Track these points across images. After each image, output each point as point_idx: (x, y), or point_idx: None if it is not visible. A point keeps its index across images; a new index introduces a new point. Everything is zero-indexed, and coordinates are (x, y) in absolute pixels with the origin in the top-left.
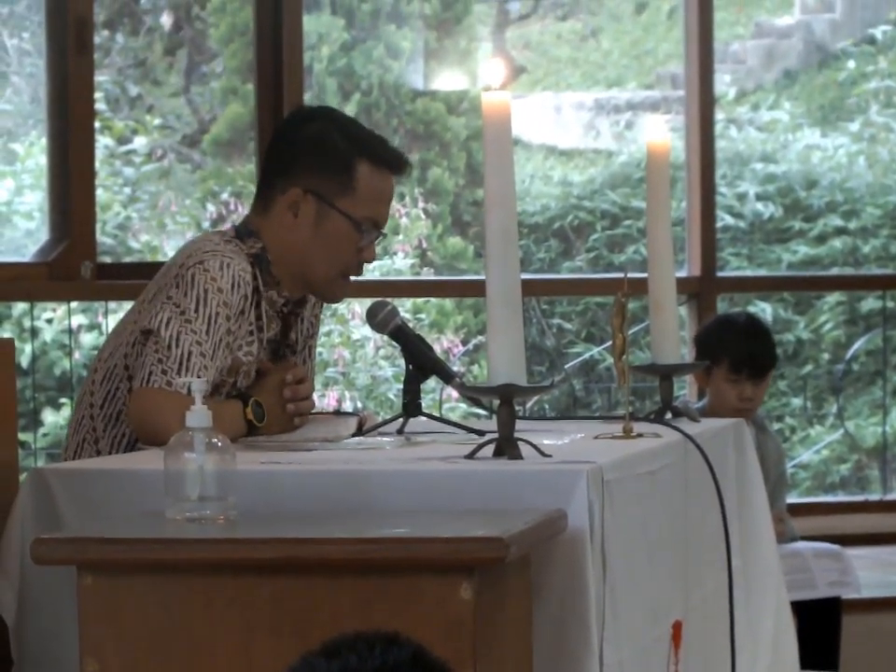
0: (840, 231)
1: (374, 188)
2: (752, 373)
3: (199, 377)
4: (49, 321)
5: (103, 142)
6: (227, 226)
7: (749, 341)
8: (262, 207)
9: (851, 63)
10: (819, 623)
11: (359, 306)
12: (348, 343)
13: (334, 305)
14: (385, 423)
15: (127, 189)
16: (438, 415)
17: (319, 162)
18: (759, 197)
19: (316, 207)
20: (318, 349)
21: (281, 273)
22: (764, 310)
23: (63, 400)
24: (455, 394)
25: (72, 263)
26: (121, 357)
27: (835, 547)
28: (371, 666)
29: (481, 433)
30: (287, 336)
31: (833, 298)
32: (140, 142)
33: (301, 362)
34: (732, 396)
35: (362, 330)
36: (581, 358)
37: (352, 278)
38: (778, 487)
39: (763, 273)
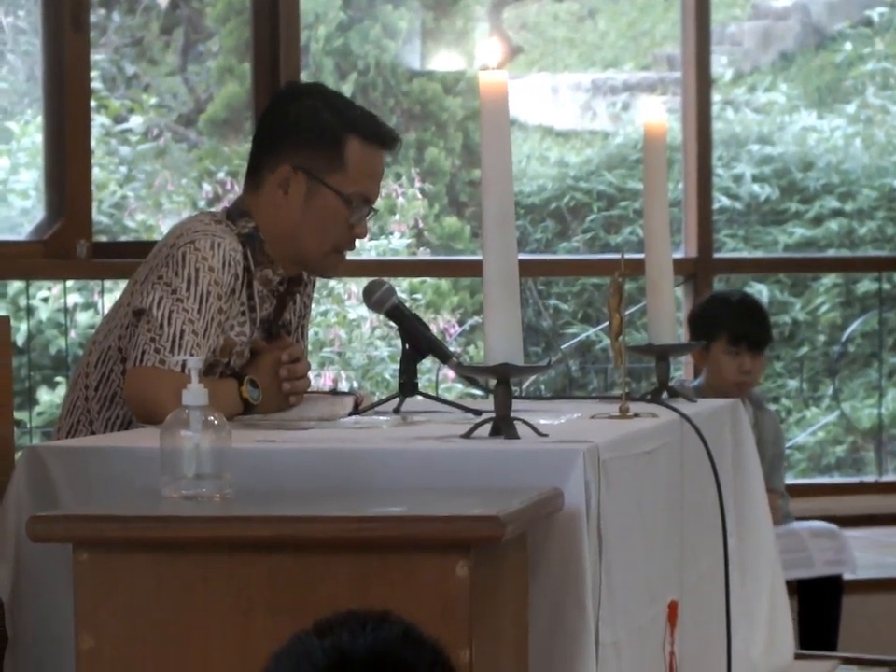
0: (836, 213)
1: (365, 163)
2: (751, 345)
3: (192, 355)
4: (45, 300)
5: (99, 121)
6: (220, 206)
7: (747, 314)
8: (253, 186)
9: (848, 45)
10: (819, 603)
11: (356, 286)
12: (344, 323)
13: (330, 285)
14: (382, 402)
15: (123, 168)
16: (434, 395)
17: (308, 139)
18: (755, 179)
19: (306, 184)
20: (314, 329)
21: (275, 252)
22: (761, 291)
23: (58, 379)
24: (451, 374)
25: (68, 242)
26: (115, 339)
27: (832, 526)
28: (363, 644)
29: (477, 413)
30: (282, 316)
31: (829, 279)
32: (136, 121)
33: (295, 341)
34: (732, 369)
35: (358, 310)
36: (577, 339)
37: (347, 255)
38: (775, 466)
39: (759, 254)
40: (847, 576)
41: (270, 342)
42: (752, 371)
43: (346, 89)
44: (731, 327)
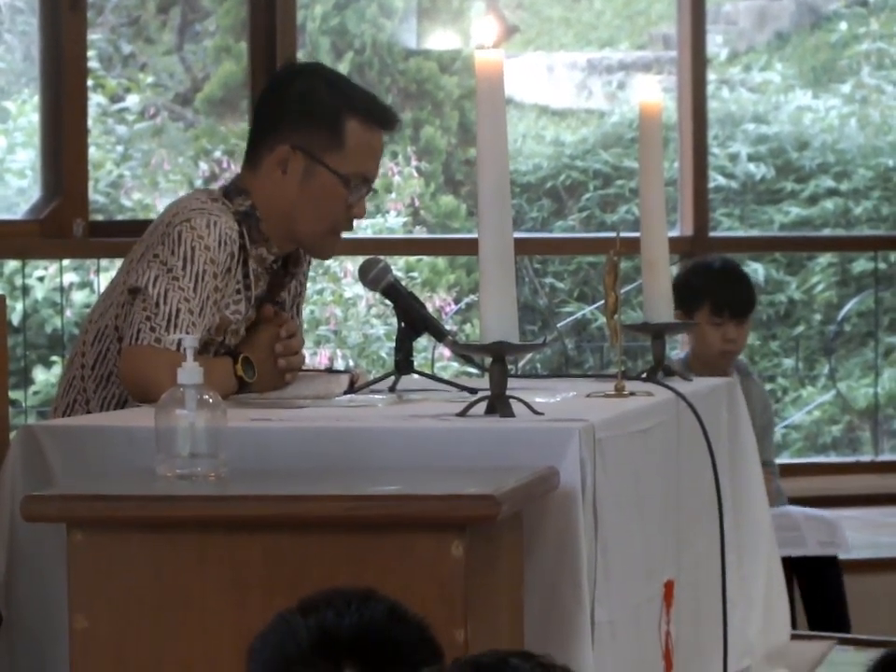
0: (832, 193)
1: (363, 143)
2: (734, 313)
3: (187, 333)
4: (41, 279)
5: (95, 100)
6: (217, 185)
7: (729, 282)
8: (252, 165)
9: (843, 25)
10: (821, 584)
11: (352, 264)
12: (340, 302)
13: (326, 263)
14: (377, 380)
15: (119, 148)
16: (430, 373)
17: (307, 118)
18: (751, 158)
19: (304, 163)
20: (310, 307)
21: (270, 230)
22: (756, 270)
23: (53, 358)
24: (447, 352)
25: (64, 221)
26: (112, 318)
27: (826, 512)
28: (348, 622)
29: (473, 391)
30: (277, 294)
31: (825, 259)
32: (133, 100)
33: (290, 318)
34: (716, 338)
35: (354, 289)
36: (573, 318)
37: (344, 235)
38: (765, 436)
39: (754, 233)
40: (842, 556)
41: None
42: (737, 339)
43: (343, 68)
44: (713, 296)
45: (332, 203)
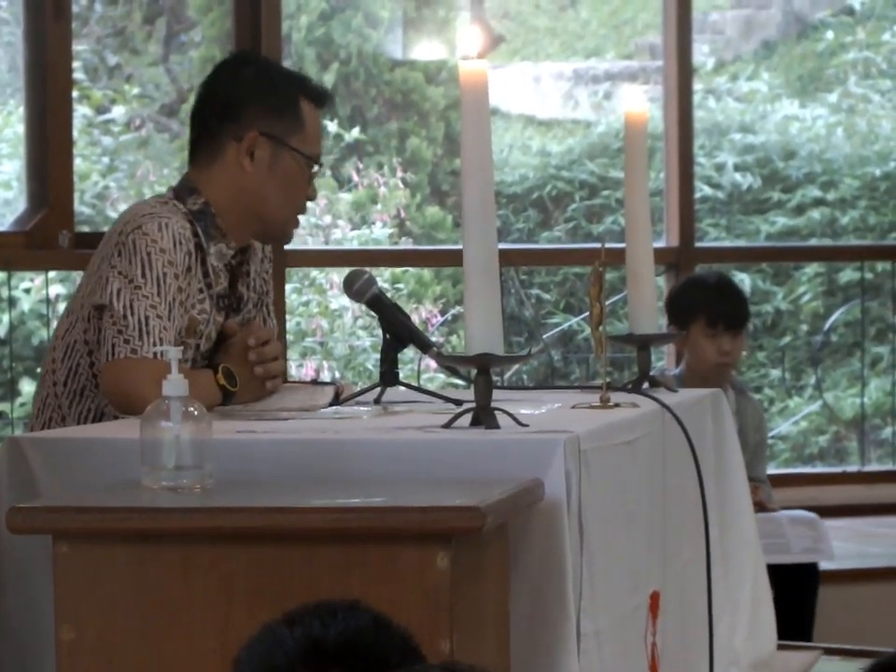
0: (818, 202)
1: (315, 124)
2: (729, 326)
3: (161, 340)
4: (27, 291)
5: (81, 111)
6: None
7: (723, 294)
8: (206, 160)
9: (830, 34)
10: (795, 592)
11: (337, 276)
12: (326, 313)
13: (312, 274)
14: (363, 392)
15: (105, 159)
16: (415, 385)
17: (268, 104)
18: (737, 167)
19: (270, 149)
20: (296, 319)
21: (228, 224)
22: (743, 280)
23: (40, 370)
24: (433, 364)
25: (50, 232)
26: (80, 332)
27: (811, 514)
28: (334, 632)
29: (458, 403)
30: (236, 290)
31: (812, 269)
32: (118, 111)
33: (262, 322)
34: (711, 351)
35: (340, 300)
36: (559, 329)
37: (328, 246)
38: (758, 454)
39: (741, 243)
40: (830, 566)
41: (227, 318)
42: (732, 351)
43: (328, 78)
44: (707, 309)
45: (298, 185)
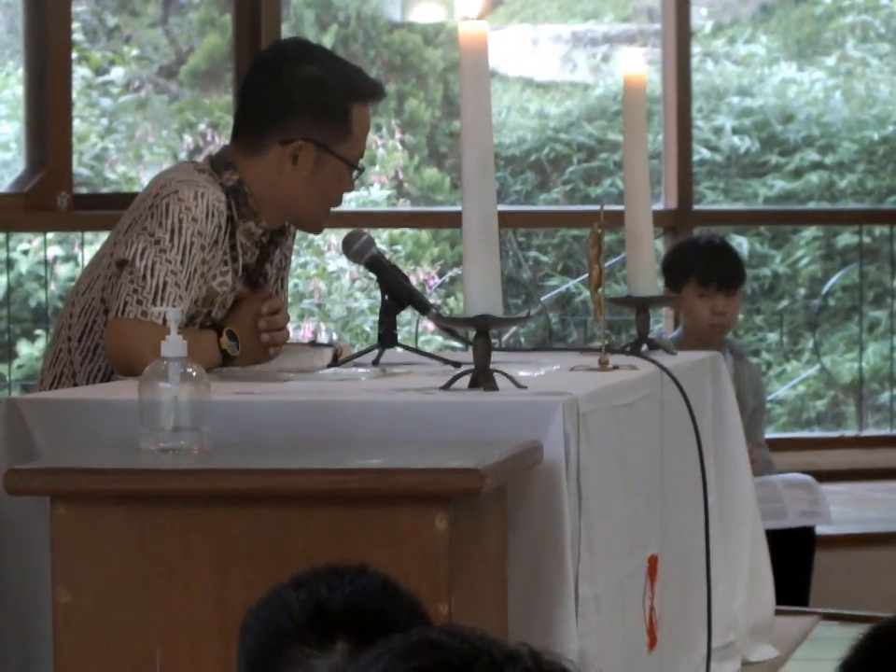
0: (816, 166)
1: (363, 125)
2: (721, 285)
3: (174, 307)
4: (25, 252)
5: (80, 73)
6: (202, 156)
7: (715, 253)
8: (249, 148)
9: None
10: (790, 557)
11: (335, 237)
12: (324, 275)
13: (309, 237)
14: (361, 354)
15: (104, 120)
16: (414, 347)
17: (318, 112)
18: (735, 131)
19: (315, 155)
20: (294, 280)
21: (261, 207)
22: (741, 244)
23: (38, 332)
24: (431, 326)
25: (48, 194)
26: (98, 290)
27: (806, 477)
28: (341, 595)
29: (457, 364)
30: (263, 266)
31: (810, 232)
32: (117, 73)
33: (275, 293)
34: (704, 311)
35: (338, 262)
36: (557, 291)
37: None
38: (756, 418)
39: (739, 206)
40: (827, 531)
41: (251, 292)
42: (726, 311)
43: (327, 40)
44: (699, 269)
45: (339, 188)
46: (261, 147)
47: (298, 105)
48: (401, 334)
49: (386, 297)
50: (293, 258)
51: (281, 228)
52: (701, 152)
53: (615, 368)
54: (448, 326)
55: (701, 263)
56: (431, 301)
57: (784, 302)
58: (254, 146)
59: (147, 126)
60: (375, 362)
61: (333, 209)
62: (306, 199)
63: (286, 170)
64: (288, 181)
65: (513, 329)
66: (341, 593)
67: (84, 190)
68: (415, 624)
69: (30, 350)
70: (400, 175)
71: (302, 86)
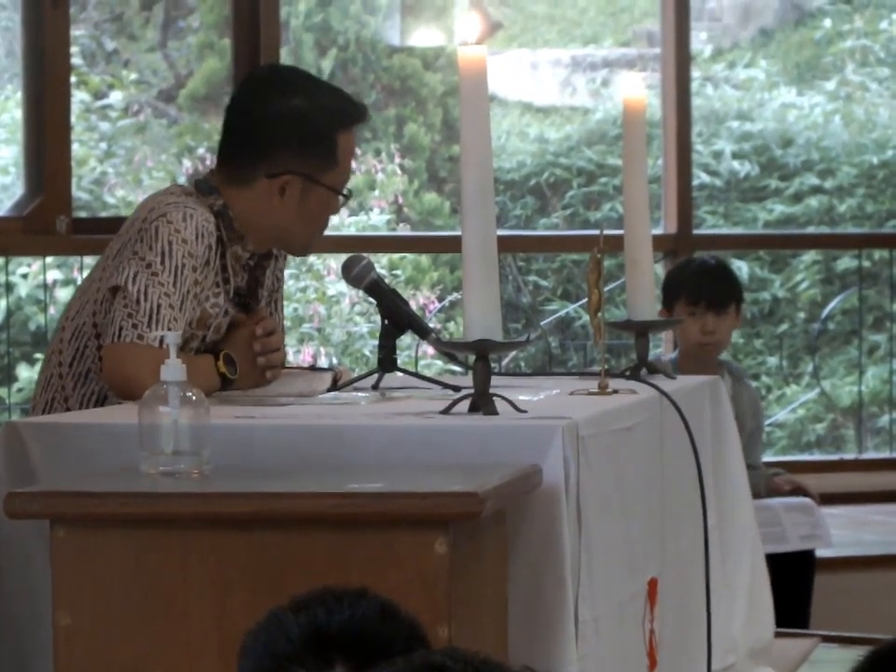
0: (816, 190)
1: (349, 151)
2: (710, 304)
3: (169, 329)
4: (25, 276)
5: (79, 97)
6: (185, 180)
7: (705, 273)
8: (235, 179)
9: (828, 22)
10: (791, 580)
11: (335, 262)
12: (324, 299)
13: (309, 261)
14: (361, 378)
15: (103, 144)
16: (413, 371)
17: (305, 145)
18: (735, 155)
19: (302, 186)
20: (294, 305)
21: (247, 232)
22: (741, 268)
23: (37, 356)
24: (431, 350)
25: (47, 218)
26: (89, 315)
27: (807, 500)
28: (339, 620)
29: (456, 389)
30: (255, 289)
31: (809, 257)
32: (116, 97)
33: (268, 315)
34: (694, 330)
35: (338, 286)
36: (556, 315)
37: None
38: (754, 440)
39: (738, 231)
40: (827, 553)
41: (244, 314)
42: (716, 331)
43: (326, 64)
44: (688, 288)
45: (325, 215)
46: (247, 179)
47: (284, 139)
48: (402, 358)
49: (386, 321)
50: (292, 282)
51: (268, 252)
52: (701, 177)
53: (615, 392)
54: (447, 350)
55: (691, 283)
56: (431, 325)
57: (784, 326)
58: (239, 178)
59: (145, 150)
60: (375, 386)
61: (328, 233)
62: (293, 227)
63: (273, 202)
64: (276, 212)
65: (513, 353)
66: (339, 616)
67: (83, 214)
68: (414, 648)
69: (29, 373)
70: (400, 200)
71: (288, 120)
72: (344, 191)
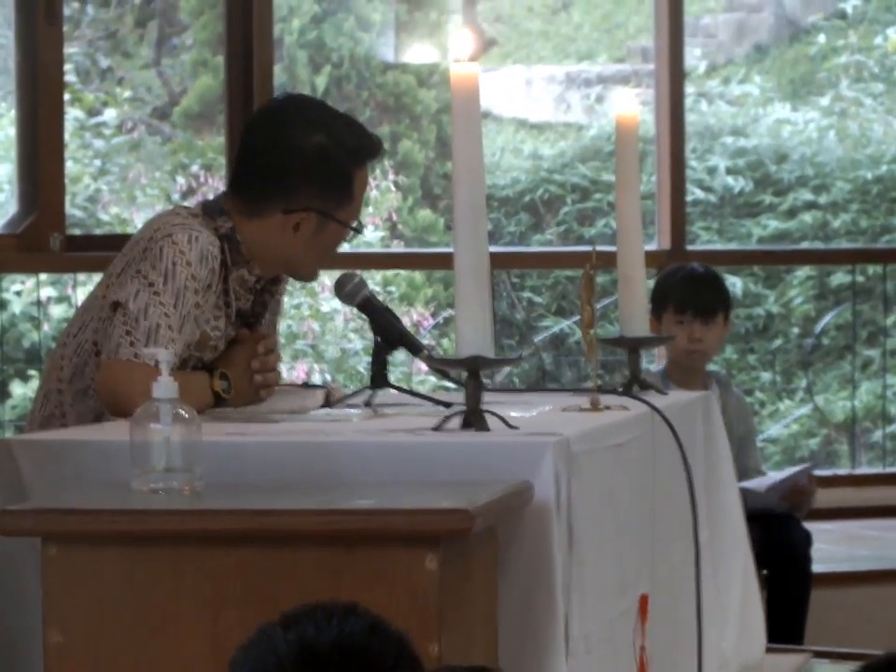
0: (810, 206)
1: (363, 185)
2: (698, 312)
3: (166, 350)
4: (18, 293)
5: (73, 114)
6: (194, 199)
7: (693, 281)
8: (248, 209)
9: (822, 38)
10: (787, 596)
11: (329, 279)
12: (318, 316)
13: None
14: (353, 395)
15: (97, 162)
16: (405, 387)
17: (322, 183)
18: (729, 171)
19: (317, 221)
20: (287, 321)
21: (255, 258)
22: (734, 284)
23: (31, 373)
24: (424, 367)
25: (41, 235)
26: (91, 333)
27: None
28: (328, 636)
29: (448, 405)
30: (260, 312)
31: (803, 272)
32: (110, 114)
33: (269, 334)
34: (682, 338)
35: (332, 303)
36: (550, 332)
37: None
38: (745, 444)
39: (732, 246)
40: (820, 568)
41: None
42: (703, 339)
43: (320, 81)
44: (675, 296)
45: (336, 247)
46: (262, 211)
47: (303, 177)
48: (397, 375)
49: (379, 338)
50: (286, 298)
51: (276, 277)
52: (695, 192)
53: (607, 408)
54: (440, 367)
55: (679, 291)
56: (425, 342)
57: (777, 342)
58: (253, 208)
59: (139, 167)
60: (367, 403)
61: None
62: (303, 258)
63: (286, 236)
64: (287, 244)
65: (507, 369)
66: (328, 633)
67: (77, 232)
68: (404, 665)
69: (23, 391)
70: (394, 217)
71: (311, 159)
72: (355, 224)
